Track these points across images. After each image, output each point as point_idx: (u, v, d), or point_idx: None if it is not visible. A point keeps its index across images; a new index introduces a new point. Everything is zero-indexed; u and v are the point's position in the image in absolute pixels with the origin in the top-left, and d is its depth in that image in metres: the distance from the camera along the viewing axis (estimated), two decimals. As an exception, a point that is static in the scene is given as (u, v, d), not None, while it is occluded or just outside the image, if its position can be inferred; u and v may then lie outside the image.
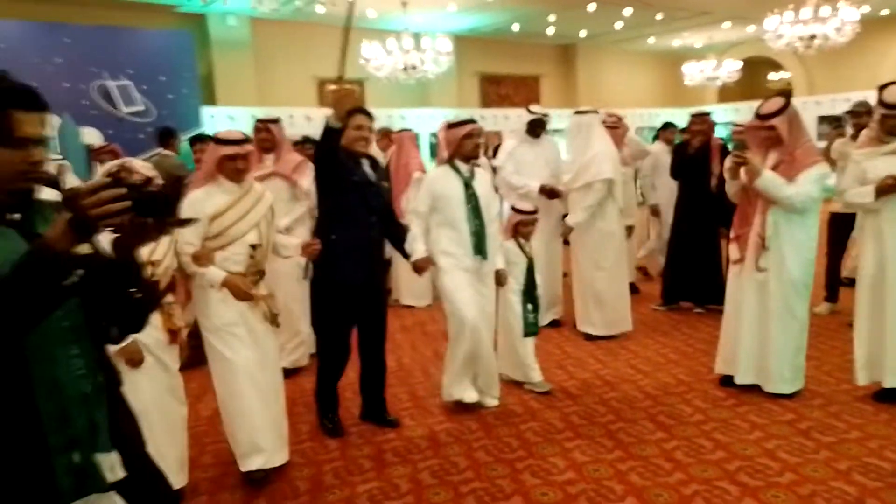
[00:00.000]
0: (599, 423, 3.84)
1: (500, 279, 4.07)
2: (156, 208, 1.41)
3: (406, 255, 3.89)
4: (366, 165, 3.71)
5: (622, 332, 5.52)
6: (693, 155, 6.07)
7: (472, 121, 3.98)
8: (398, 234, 3.93)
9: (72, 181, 7.28)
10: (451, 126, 3.96)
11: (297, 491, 3.23)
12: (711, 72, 15.59)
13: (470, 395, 4.05)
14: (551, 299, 5.83)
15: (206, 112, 11.14)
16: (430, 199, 3.92)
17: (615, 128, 5.93)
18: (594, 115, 5.50)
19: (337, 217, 3.63)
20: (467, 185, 3.91)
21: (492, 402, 4.14)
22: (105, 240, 1.52)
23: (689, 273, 6.12)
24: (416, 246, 3.86)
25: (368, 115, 3.69)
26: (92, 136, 9.00)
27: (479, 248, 3.90)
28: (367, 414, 4.01)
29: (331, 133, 3.31)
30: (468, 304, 3.86)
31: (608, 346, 5.30)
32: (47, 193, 1.58)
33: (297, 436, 3.82)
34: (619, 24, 14.20)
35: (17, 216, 1.50)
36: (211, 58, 11.88)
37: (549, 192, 5.51)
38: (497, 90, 16.11)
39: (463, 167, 3.94)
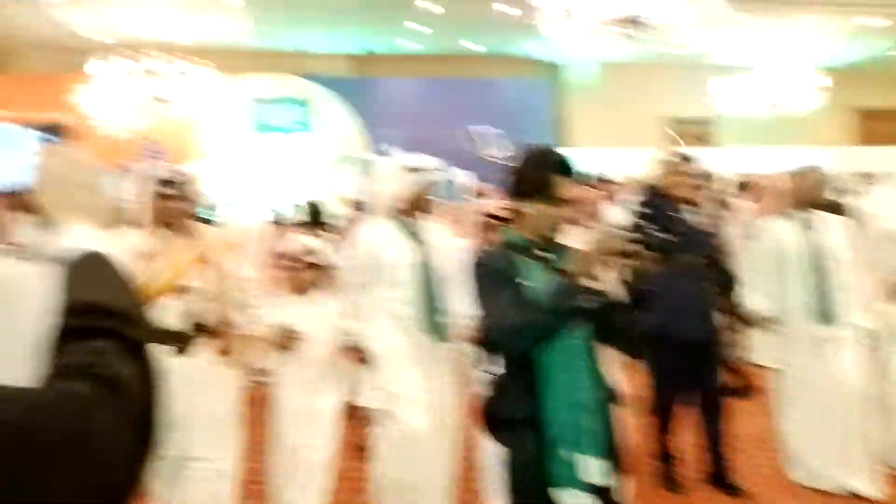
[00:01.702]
0: None
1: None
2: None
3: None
4: (688, 211, 3.47)
5: None
6: None
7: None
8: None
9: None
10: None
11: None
12: None
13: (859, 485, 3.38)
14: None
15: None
16: None
17: None
18: None
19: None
20: None
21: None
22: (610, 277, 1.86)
23: None
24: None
25: (691, 158, 3.51)
26: (461, 177, 10.32)
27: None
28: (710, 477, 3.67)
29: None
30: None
31: None
32: (571, 239, 2.04)
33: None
34: None
35: (551, 256, 1.92)
36: (563, 103, 12.62)
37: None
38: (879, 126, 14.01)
39: None
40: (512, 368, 1.91)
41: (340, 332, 2.86)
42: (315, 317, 2.85)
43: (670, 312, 3.18)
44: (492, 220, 3.12)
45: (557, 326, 1.79)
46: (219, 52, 10.48)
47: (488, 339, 1.96)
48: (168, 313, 2.56)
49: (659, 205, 3.42)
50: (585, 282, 1.75)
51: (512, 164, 2.06)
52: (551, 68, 12.63)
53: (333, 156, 11.44)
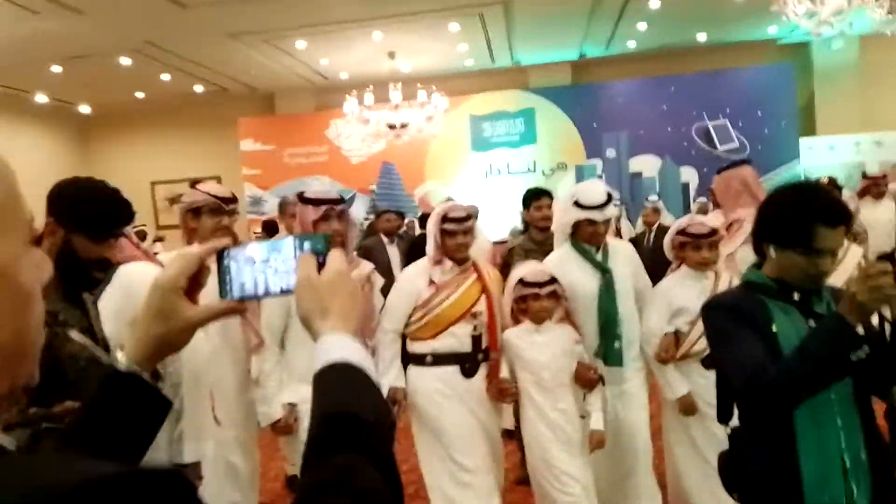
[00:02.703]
0: None
1: None
2: None
3: None
4: None
5: None
6: None
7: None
8: None
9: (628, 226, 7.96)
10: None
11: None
12: None
13: None
14: None
15: (804, 143, 10.64)
16: None
17: None
18: None
19: None
20: None
21: None
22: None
23: None
24: None
25: None
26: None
27: None
28: None
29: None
30: None
31: None
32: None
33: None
34: None
35: (808, 298, 1.72)
36: (811, 86, 11.30)
37: None
38: None
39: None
40: (754, 422, 1.74)
41: (573, 359, 2.88)
42: (550, 346, 2.86)
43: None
44: (693, 240, 2.96)
45: (830, 380, 1.56)
46: (439, 78, 11.12)
47: (740, 392, 1.72)
48: (457, 338, 2.89)
49: None
50: (858, 328, 1.48)
51: (763, 206, 1.79)
52: (796, 49, 11.37)
53: (552, 167, 11.49)
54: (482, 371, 2.95)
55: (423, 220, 8.33)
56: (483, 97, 11.61)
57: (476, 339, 2.92)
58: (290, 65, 10.56)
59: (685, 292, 2.98)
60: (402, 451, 4.02)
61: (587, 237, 3.04)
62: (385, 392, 2.79)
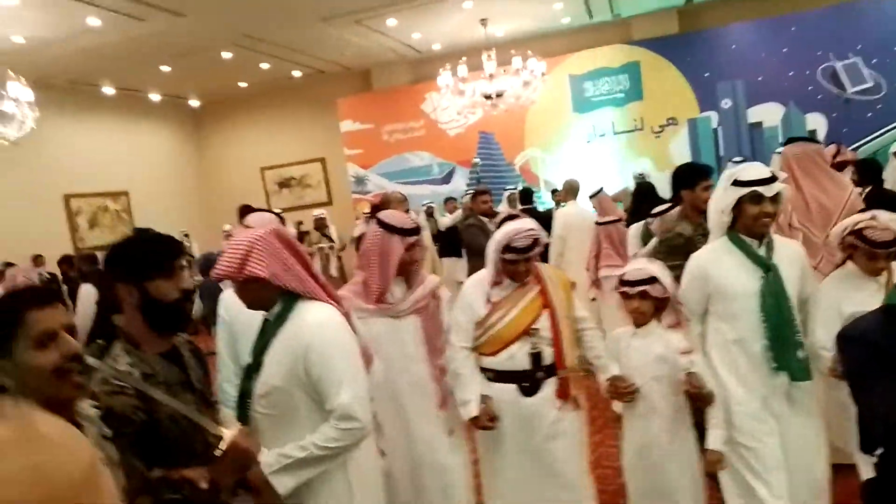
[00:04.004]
0: None
1: None
2: None
3: None
4: None
5: None
6: None
7: None
8: None
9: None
10: None
11: None
12: None
13: None
14: None
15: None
16: None
17: None
18: None
19: None
20: None
21: None
22: None
23: None
24: None
25: None
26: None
27: None
28: None
29: None
30: None
31: None
32: None
33: None
34: None
35: None
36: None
37: None
38: None
39: None
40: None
41: (682, 368, 2.59)
42: (644, 351, 2.64)
43: None
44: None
45: None
46: (535, 40, 10.68)
47: (879, 440, 1.56)
48: (515, 357, 2.72)
49: None
50: None
51: None
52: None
53: (662, 124, 10.83)
54: (547, 388, 2.74)
55: (525, 195, 8.11)
56: (582, 55, 11.08)
57: (535, 357, 2.72)
58: (382, 42, 10.51)
59: (857, 296, 2.57)
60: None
61: (751, 222, 2.60)
62: (474, 409, 2.71)
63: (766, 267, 2.62)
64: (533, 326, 2.71)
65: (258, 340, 2.18)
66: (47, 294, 1.51)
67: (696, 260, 2.76)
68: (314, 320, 2.12)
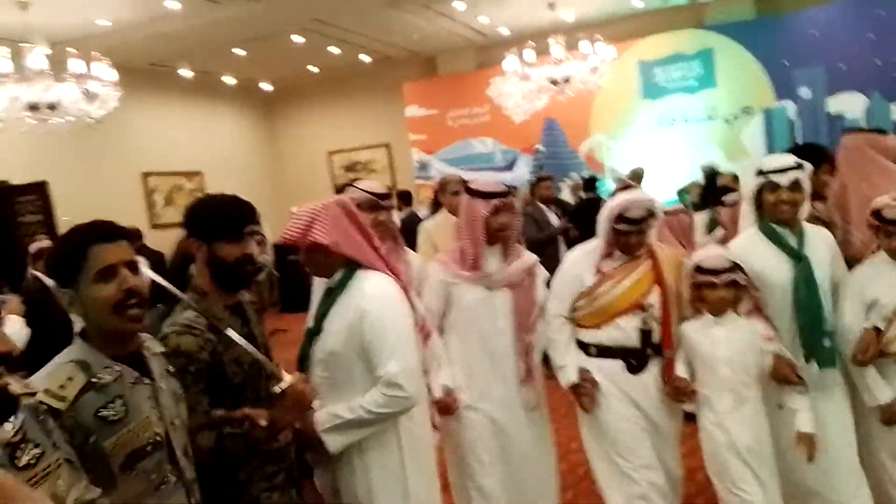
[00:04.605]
0: None
1: None
2: None
3: None
4: None
5: None
6: None
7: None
8: None
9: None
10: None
11: None
12: None
13: None
14: None
15: None
16: None
17: None
18: None
19: None
20: None
21: None
22: None
23: None
24: None
25: None
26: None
27: None
28: None
29: None
30: None
31: None
32: None
33: None
34: None
35: None
36: None
37: None
38: None
39: None
40: None
41: (762, 357, 2.54)
42: (731, 340, 2.55)
43: None
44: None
45: None
46: (604, 23, 10.45)
47: None
48: (623, 331, 2.67)
49: None
50: None
51: None
52: None
53: (735, 113, 10.45)
54: (653, 367, 2.69)
55: (589, 183, 8.00)
56: (653, 40, 10.79)
57: (645, 334, 2.65)
58: (449, 27, 10.51)
59: (881, 282, 2.53)
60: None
61: (770, 209, 2.61)
62: (573, 374, 2.69)
63: (798, 257, 2.59)
64: (645, 301, 2.65)
65: (320, 306, 2.27)
66: (112, 231, 1.57)
67: (733, 248, 2.71)
68: (371, 289, 2.19)
